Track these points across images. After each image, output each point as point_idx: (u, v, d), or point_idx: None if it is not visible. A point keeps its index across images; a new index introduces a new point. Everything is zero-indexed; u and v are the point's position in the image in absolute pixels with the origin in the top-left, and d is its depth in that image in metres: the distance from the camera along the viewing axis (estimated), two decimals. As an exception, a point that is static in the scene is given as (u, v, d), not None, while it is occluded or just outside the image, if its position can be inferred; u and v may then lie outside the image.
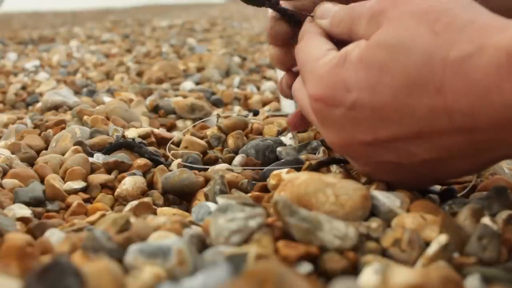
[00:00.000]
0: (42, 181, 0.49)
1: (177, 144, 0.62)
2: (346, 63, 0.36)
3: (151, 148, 0.56)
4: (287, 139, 0.58)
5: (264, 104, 0.90)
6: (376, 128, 0.35)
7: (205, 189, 0.46)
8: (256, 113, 0.71)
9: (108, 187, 0.49)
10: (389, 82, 0.33)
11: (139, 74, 1.16)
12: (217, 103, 0.90)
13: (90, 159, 0.53)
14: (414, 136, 0.34)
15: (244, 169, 0.52)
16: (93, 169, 0.52)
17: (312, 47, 0.40)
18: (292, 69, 0.50)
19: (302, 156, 0.52)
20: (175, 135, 0.65)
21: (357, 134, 0.36)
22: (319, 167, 0.46)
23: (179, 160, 0.54)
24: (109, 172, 0.52)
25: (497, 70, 0.29)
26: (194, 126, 0.71)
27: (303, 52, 0.41)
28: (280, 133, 0.62)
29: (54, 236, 0.36)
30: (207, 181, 0.49)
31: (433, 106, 0.32)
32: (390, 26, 0.34)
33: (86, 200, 0.47)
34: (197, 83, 1.07)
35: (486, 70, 0.29)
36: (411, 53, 0.32)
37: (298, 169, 0.47)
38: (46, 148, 0.60)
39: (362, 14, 0.37)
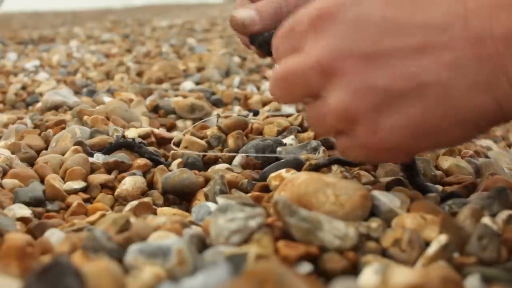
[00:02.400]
0: (42, 181, 0.48)
1: (177, 144, 0.62)
2: None
3: (151, 148, 0.56)
4: (288, 139, 0.58)
5: (264, 104, 0.90)
6: (380, 38, 0.32)
7: (205, 189, 0.46)
8: (256, 113, 0.71)
9: (108, 187, 0.49)
10: None
11: (139, 74, 1.16)
12: (217, 103, 0.90)
13: (90, 159, 0.53)
14: (419, 50, 0.32)
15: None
16: (93, 169, 0.52)
17: None
18: None
19: (302, 156, 0.52)
20: (175, 135, 0.65)
21: (356, 43, 0.33)
22: (320, 168, 0.46)
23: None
24: (109, 172, 0.52)
25: None
26: (194, 126, 0.71)
27: None
28: (280, 133, 0.62)
29: (54, 236, 0.36)
30: (207, 181, 0.49)
31: (451, 9, 0.31)
32: None
33: (86, 200, 0.47)
34: (197, 83, 1.07)
35: None
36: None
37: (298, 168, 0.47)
38: (46, 148, 0.60)
39: None
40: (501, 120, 0.33)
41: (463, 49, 0.31)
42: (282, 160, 0.50)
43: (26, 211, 0.42)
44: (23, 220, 0.41)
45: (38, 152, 0.58)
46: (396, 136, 0.34)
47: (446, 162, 0.51)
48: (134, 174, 0.50)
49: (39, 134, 0.64)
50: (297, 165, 0.48)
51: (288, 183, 0.38)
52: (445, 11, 0.31)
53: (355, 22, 0.34)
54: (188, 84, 1.02)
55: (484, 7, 0.30)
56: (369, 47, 0.33)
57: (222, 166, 0.53)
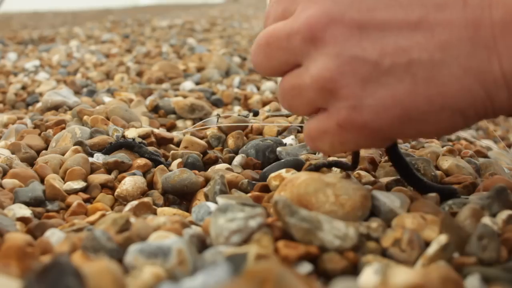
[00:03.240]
0: (42, 181, 0.48)
1: (177, 144, 0.62)
2: None
3: (151, 148, 0.56)
4: (288, 139, 0.58)
5: (264, 104, 0.90)
6: (375, 8, 0.31)
7: (205, 189, 0.46)
8: (256, 113, 0.71)
9: (108, 187, 0.49)
10: None
11: (139, 74, 1.16)
12: (217, 103, 0.90)
13: (90, 159, 0.53)
14: (414, 25, 0.30)
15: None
16: (93, 169, 0.52)
17: None
18: None
19: (302, 156, 0.52)
20: (175, 135, 0.65)
21: (350, 10, 0.32)
22: (319, 168, 0.46)
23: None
24: (109, 172, 0.52)
25: None
26: (194, 126, 0.71)
27: None
28: (280, 133, 0.62)
29: (54, 236, 0.36)
30: (207, 181, 0.49)
31: None
32: None
33: (86, 200, 0.47)
34: (197, 83, 1.07)
35: None
36: None
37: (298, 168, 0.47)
38: (46, 148, 0.60)
39: None
40: (490, 113, 0.32)
41: (458, 30, 0.30)
42: (282, 160, 0.50)
43: (26, 211, 0.42)
44: (23, 220, 0.41)
45: (38, 152, 0.58)
46: (379, 115, 0.32)
47: (446, 162, 0.51)
48: (134, 174, 0.50)
49: (39, 134, 0.64)
50: (297, 165, 0.48)
51: (288, 183, 0.38)
52: None
53: None
54: (188, 84, 1.02)
55: None
56: (363, 16, 0.31)
57: (222, 166, 0.53)
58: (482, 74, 0.30)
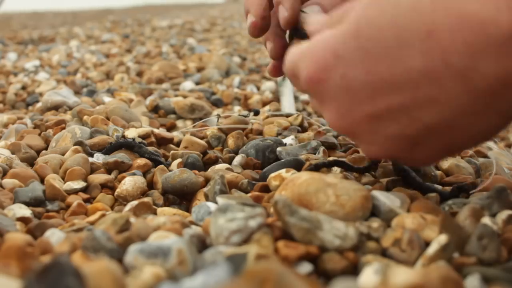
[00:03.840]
0: (42, 181, 0.48)
1: (177, 144, 0.62)
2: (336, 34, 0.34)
3: (151, 148, 0.56)
4: (288, 139, 0.58)
5: (264, 104, 0.90)
6: (373, 96, 0.33)
7: (205, 189, 0.46)
8: (256, 113, 0.71)
9: (108, 187, 0.49)
10: (378, 37, 0.32)
11: (139, 74, 1.16)
12: (217, 103, 0.90)
13: (90, 159, 0.53)
14: (412, 100, 0.32)
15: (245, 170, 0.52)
16: (93, 169, 0.52)
17: None
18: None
19: (302, 156, 0.52)
20: (175, 135, 0.65)
21: (355, 106, 0.34)
22: (319, 168, 0.46)
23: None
24: (109, 172, 0.52)
25: (495, 1, 0.28)
26: (194, 126, 0.71)
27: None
28: (280, 133, 0.62)
29: (54, 236, 0.36)
30: (207, 181, 0.49)
31: (427, 51, 0.30)
32: None
33: (86, 200, 0.47)
34: (197, 83, 1.07)
35: (481, 3, 0.28)
36: (399, 4, 0.31)
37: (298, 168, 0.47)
38: (46, 148, 0.60)
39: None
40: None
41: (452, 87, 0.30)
42: (282, 160, 0.50)
43: (26, 211, 0.42)
44: (23, 220, 0.41)
45: (38, 152, 0.58)
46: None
47: (446, 162, 0.51)
48: (134, 174, 0.50)
49: (39, 134, 0.64)
50: (297, 165, 0.48)
51: (289, 182, 0.38)
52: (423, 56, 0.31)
53: (345, 87, 0.34)
54: (188, 84, 1.02)
55: (459, 43, 0.29)
56: (369, 109, 0.34)
57: (222, 166, 0.53)
58: (487, 114, 0.31)
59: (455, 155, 0.43)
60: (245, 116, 0.66)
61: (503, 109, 0.31)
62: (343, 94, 0.34)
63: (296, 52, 0.38)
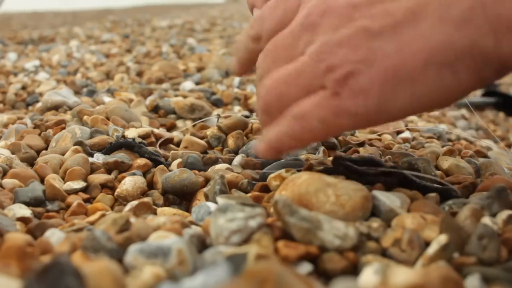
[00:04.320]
0: (42, 181, 0.49)
1: (177, 144, 0.62)
2: None
3: (151, 148, 0.56)
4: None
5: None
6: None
7: (205, 189, 0.46)
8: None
9: (108, 187, 0.49)
10: None
11: (139, 74, 1.16)
12: (217, 103, 0.90)
13: (90, 159, 0.53)
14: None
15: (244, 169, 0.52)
16: (93, 169, 0.52)
17: None
18: None
19: (302, 156, 0.52)
20: (175, 135, 0.65)
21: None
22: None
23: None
24: (109, 172, 0.52)
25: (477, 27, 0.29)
26: (194, 125, 0.71)
27: None
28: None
29: (54, 236, 0.36)
30: (207, 181, 0.49)
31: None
32: None
33: (86, 200, 0.47)
34: (197, 83, 1.07)
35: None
36: None
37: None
38: (46, 148, 0.60)
39: None
40: (482, 66, 0.31)
41: None
42: (282, 160, 0.51)
43: (26, 211, 0.42)
44: (23, 220, 0.41)
45: (38, 152, 0.58)
46: (373, 79, 0.32)
47: (446, 162, 0.51)
48: (134, 174, 0.50)
49: (39, 134, 0.64)
50: (297, 165, 0.48)
51: (289, 182, 0.38)
52: None
53: None
54: (188, 84, 1.02)
55: None
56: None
57: (222, 166, 0.53)
58: (462, 22, 0.30)
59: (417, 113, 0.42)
60: (247, 117, 0.66)
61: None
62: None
63: None
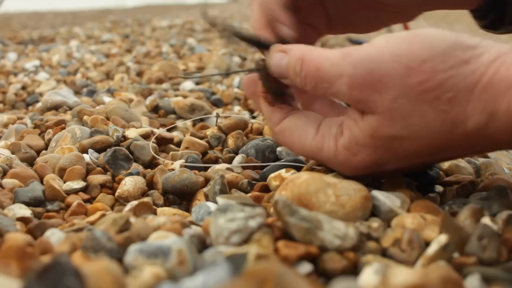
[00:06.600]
0: (42, 181, 0.48)
1: (177, 144, 0.62)
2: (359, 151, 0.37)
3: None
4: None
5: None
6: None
7: (205, 189, 0.46)
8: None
9: (107, 187, 0.49)
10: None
11: (139, 74, 1.16)
12: (217, 103, 0.90)
13: (87, 159, 0.53)
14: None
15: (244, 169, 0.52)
16: (93, 169, 0.52)
17: (300, 137, 0.41)
18: None
19: (302, 156, 0.52)
20: (175, 135, 0.65)
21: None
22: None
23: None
24: (105, 171, 0.52)
25: None
26: (194, 125, 0.71)
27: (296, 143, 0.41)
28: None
29: (54, 236, 0.36)
30: (207, 181, 0.49)
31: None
32: (389, 117, 0.35)
33: (86, 200, 0.47)
34: (197, 83, 1.07)
35: (505, 132, 0.33)
36: (429, 136, 0.35)
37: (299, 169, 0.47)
38: (46, 148, 0.60)
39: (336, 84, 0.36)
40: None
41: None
42: (282, 160, 0.50)
43: (26, 211, 0.42)
44: (23, 220, 0.41)
45: (38, 152, 0.58)
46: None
47: (446, 162, 0.51)
48: (131, 174, 0.50)
49: (39, 134, 0.64)
50: (297, 165, 0.48)
51: (289, 182, 0.38)
52: None
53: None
54: (188, 84, 1.02)
55: None
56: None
57: (222, 166, 0.53)
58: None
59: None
60: (254, 118, 0.66)
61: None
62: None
63: None
